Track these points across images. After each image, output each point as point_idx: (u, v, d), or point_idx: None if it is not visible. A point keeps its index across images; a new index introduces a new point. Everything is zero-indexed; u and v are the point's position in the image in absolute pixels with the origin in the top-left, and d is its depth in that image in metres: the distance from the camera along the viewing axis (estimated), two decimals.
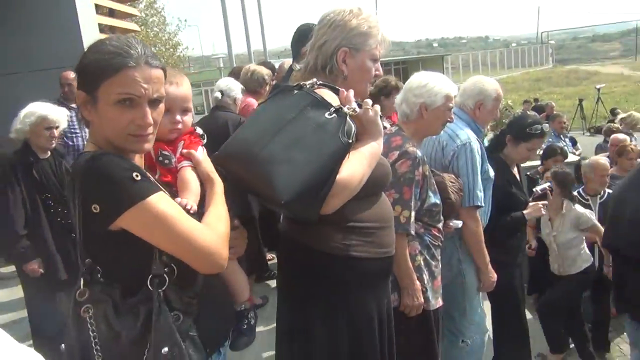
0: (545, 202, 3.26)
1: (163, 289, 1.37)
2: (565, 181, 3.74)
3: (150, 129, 1.38)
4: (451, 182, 2.68)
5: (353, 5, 1.83)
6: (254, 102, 4.55)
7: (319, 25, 1.85)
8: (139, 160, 1.50)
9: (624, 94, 27.90)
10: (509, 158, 3.32)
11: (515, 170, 3.37)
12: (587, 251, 3.82)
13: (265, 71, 4.81)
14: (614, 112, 14.04)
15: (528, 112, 11.20)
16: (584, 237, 3.80)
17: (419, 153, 2.46)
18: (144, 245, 1.34)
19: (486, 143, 3.44)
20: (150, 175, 1.42)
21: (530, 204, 3.24)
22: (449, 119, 2.63)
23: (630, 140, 6.36)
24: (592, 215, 3.77)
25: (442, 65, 38.47)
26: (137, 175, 1.30)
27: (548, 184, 3.52)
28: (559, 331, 3.87)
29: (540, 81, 37.58)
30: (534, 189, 3.41)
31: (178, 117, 1.62)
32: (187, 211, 1.41)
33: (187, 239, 1.34)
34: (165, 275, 1.38)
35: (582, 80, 35.50)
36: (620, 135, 6.25)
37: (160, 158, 1.59)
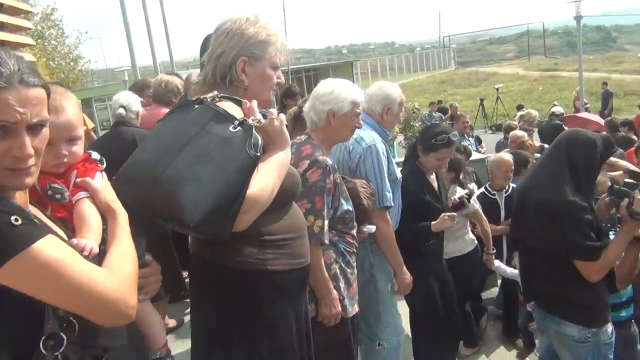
0: (454, 213, 3.28)
1: (60, 350, 1.15)
2: (456, 167, 3.91)
3: (32, 160, 1.16)
4: (363, 187, 2.69)
5: (249, 13, 1.79)
6: None
7: (215, 35, 1.79)
8: (21, 197, 1.24)
9: (520, 92, 29.85)
10: (424, 166, 3.38)
11: (433, 178, 3.43)
12: (472, 236, 3.99)
13: (178, 81, 4.72)
14: (520, 108, 14.95)
15: (435, 120, 11.64)
16: (467, 223, 3.96)
17: (329, 161, 2.45)
18: (31, 300, 1.11)
19: (395, 146, 3.53)
20: (40, 213, 1.23)
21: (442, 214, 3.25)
22: (357, 125, 2.64)
23: (529, 136, 6.77)
24: (475, 204, 3.94)
25: (351, 71, 39.12)
26: (16, 219, 1.08)
27: (466, 191, 3.61)
28: (468, 323, 3.97)
29: (444, 83, 39.00)
30: (452, 197, 3.48)
31: (63, 151, 1.39)
32: (86, 256, 1.21)
33: (83, 290, 1.13)
34: (62, 334, 1.16)
35: (482, 81, 37.11)
36: (519, 132, 6.64)
37: (50, 192, 1.36)
